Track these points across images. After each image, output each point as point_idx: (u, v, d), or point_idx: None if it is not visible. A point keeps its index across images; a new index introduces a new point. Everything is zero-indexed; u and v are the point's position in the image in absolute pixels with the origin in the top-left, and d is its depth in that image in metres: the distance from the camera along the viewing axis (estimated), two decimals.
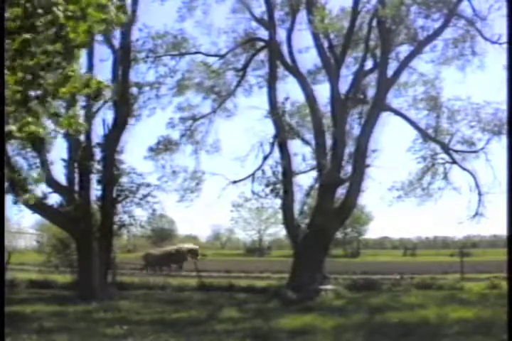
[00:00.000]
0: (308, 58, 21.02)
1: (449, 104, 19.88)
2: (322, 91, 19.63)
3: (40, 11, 5.40)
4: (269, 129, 19.89)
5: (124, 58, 17.48)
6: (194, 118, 20.94)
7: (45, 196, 16.67)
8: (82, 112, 8.55)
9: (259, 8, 19.89)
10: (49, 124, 6.48)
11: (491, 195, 19.08)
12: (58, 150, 16.46)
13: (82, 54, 6.00)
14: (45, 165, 16.63)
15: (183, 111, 20.83)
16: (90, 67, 16.52)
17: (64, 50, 5.76)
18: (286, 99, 20.13)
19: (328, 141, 18.85)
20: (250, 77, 21.16)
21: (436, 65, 19.78)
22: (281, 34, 19.79)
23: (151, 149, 20.42)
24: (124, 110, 17.49)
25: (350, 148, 18.97)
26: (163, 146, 20.45)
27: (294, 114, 20.79)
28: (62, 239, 22.16)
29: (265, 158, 20.18)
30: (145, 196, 18.08)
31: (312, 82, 19.98)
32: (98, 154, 17.37)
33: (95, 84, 5.99)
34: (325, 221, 17.62)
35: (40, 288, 18.62)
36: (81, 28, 5.64)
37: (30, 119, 5.94)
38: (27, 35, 5.46)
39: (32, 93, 5.94)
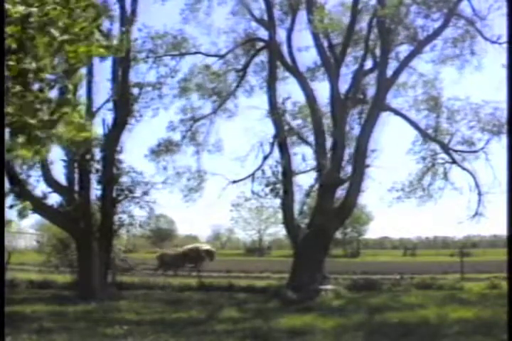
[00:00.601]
0: (308, 58, 21.06)
1: (449, 103, 19.92)
2: (322, 91, 19.67)
3: (36, 26, 5.33)
4: (269, 129, 19.94)
5: (124, 58, 17.45)
6: (194, 119, 20.95)
7: (45, 196, 16.68)
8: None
9: (259, 9, 19.93)
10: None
11: (491, 195, 19.10)
12: (58, 150, 16.44)
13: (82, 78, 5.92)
14: (45, 165, 16.63)
15: (185, 113, 20.85)
16: (90, 67, 16.51)
17: (63, 72, 5.71)
18: (287, 98, 20.17)
19: (328, 141, 18.85)
20: (250, 77, 21.20)
21: (436, 65, 19.82)
22: (281, 34, 19.83)
23: (152, 151, 20.44)
24: (124, 110, 17.50)
25: (350, 148, 18.99)
26: (164, 148, 20.46)
27: (294, 114, 20.79)
28: (62, 239, 22.11)
29: (265, 158, 20.20)
30: (144, 194, 18.08)
31: (311, 79, 19.97)
32: (98, 154, 17.39)
33: (90, 132, 5.93)
34: (325, 221, 17.62)
35: (40, 288, 18.61)
36: (80, 49, 5.58)
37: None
38: (25, 63, 5.37)
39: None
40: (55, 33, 5.35)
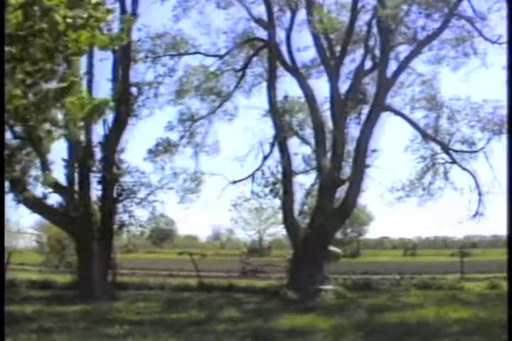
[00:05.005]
0: (308, 58, 21.03)
1: (449, 103, 19.87)
2: (321, 91, 19.64)
3: (38, 13, 5.32)
4: (268, 129, 19.91)
5: (123, 58, 17.46)
6: (193, 120, 20.89)
7: (45, 196, 16.68)
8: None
9: (259, 9, 19.89)
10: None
11: (491, 195, 19.09)
12: (58, 150, 16.42)
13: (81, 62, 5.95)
14: (45, 165, 16.61)
15: (183, 114, 20.77)
16: (90, 67, 16.51)
17: (63, 59, 5.71)
18: (286, 98, 20.14)
19: (328, 141, 18.83)
20: (249, 77, 21.15)
21: (436, 65, 19.80)
22: (281, 34, 19.78)
23: (150, 151, 20.36)
24: (124, 110, 17.48)
25: (350, 148, 18.97)
26: (163, 148, 20.39)
27: (294, 114, 20.76)
28: (60, 240, 22.09)
29: (265, 158, 20.18)
30: (146, 195, 18.06)
31: (310, 79, 19.95)
32: (98, 154, 17.37)
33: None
34: (325, 221, 17.61)
35: (40, 288, 18.60)
36: (82, 37, 5.57)
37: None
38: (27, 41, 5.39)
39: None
40: (58, 18, 5.36)
